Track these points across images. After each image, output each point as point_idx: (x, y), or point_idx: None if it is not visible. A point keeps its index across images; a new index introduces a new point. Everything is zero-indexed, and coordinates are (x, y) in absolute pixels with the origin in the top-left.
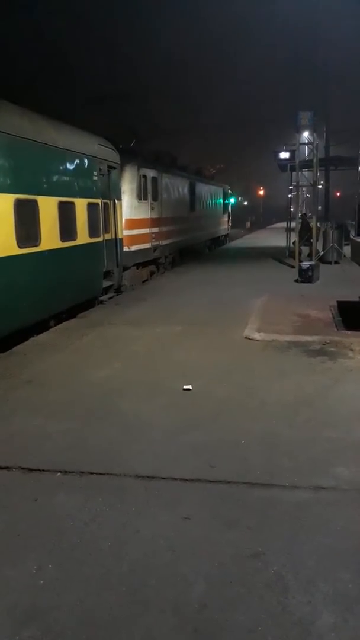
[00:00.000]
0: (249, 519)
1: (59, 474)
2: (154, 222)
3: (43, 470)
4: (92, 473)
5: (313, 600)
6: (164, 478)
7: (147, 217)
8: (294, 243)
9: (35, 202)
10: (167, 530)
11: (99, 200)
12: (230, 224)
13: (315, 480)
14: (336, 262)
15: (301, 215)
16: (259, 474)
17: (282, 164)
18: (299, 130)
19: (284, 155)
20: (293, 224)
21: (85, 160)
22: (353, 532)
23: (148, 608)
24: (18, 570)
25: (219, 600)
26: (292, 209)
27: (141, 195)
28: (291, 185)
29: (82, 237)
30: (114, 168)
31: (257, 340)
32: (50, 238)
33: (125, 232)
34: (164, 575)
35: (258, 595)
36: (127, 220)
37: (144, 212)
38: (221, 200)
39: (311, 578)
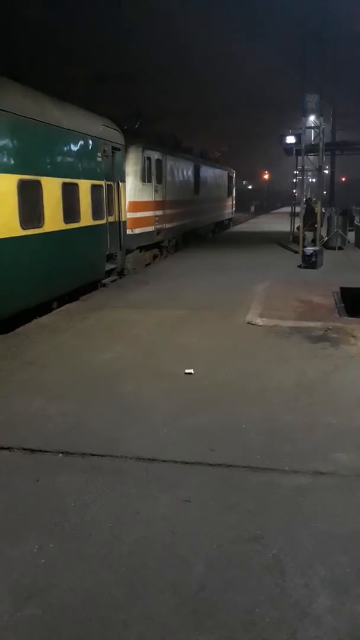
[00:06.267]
0: (248, 502)
1: (60, 455)
2: (157, 205)
3: (44, 451)
4: (93, 455)
5: (310, 583)
6: (164, 461)
7: (151, 199)
8: (298, 228)
9: (38, 182)
10: (167, 512)
11: (102, 182)
12: (234, 207)
13: (315, 466)
14: (340, 248)
15: (305, 200)
16: (259, 458)
17: (288, 148)
18: (305, 114)
19: (290, 139)
20: (297, 209)
21: (90, 141)
22: (351, 517)
23: (147, 588)
24: (19, 550)
25: (217, 582)
26: (296, 194)
27: (145, 177)
28: (296, 169)
29: (86, 219)
30: (118, 149)
31: (259, 326)
32: (53, 220)
33: (129, 215)
34: (163, 556)
35: (256, 578)
36: (131, 203)
37: (147, 194)
38: (226, 184)
39: (309, 561)
